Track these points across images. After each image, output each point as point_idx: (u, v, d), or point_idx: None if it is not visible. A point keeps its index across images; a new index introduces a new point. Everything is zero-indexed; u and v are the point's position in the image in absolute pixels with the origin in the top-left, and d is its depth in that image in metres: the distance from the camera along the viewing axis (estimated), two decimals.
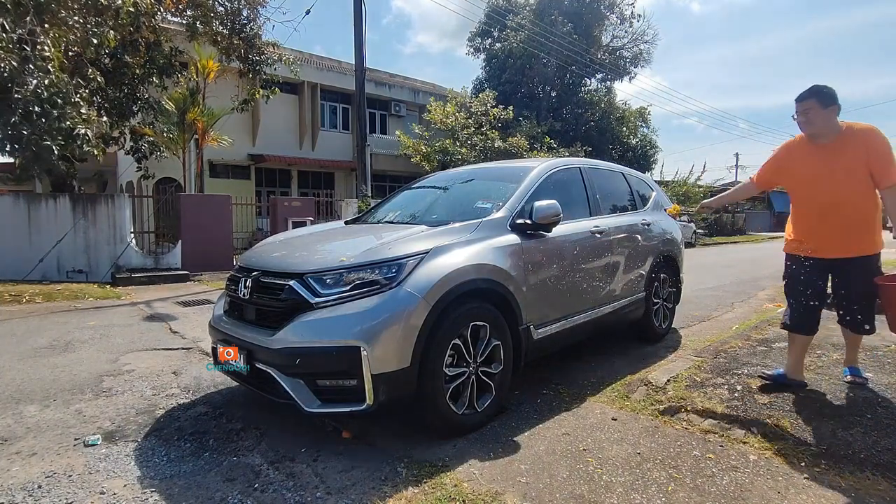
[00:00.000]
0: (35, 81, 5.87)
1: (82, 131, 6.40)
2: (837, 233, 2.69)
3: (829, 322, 4.85)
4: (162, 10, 8.62)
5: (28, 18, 5.84)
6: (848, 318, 2.86)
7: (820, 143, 2.67)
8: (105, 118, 7.70)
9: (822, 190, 2.70)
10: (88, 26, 6.64)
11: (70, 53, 7.23)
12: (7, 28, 5.68)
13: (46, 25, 6.13)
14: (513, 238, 2.85)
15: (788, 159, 2.91)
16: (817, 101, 2.58)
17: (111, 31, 6.88)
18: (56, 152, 6.11)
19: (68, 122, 6.19)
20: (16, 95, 5.72)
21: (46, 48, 6.03)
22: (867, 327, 2.80)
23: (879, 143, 2.53)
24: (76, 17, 6.47)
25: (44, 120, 5.94)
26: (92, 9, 6.58)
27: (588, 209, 3.69)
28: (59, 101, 6.06)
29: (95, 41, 6.71)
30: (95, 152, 7.21)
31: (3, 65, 5.55)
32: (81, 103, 6.60)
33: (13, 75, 5.68)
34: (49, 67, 6.02)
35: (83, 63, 7.43)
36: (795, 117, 2.68)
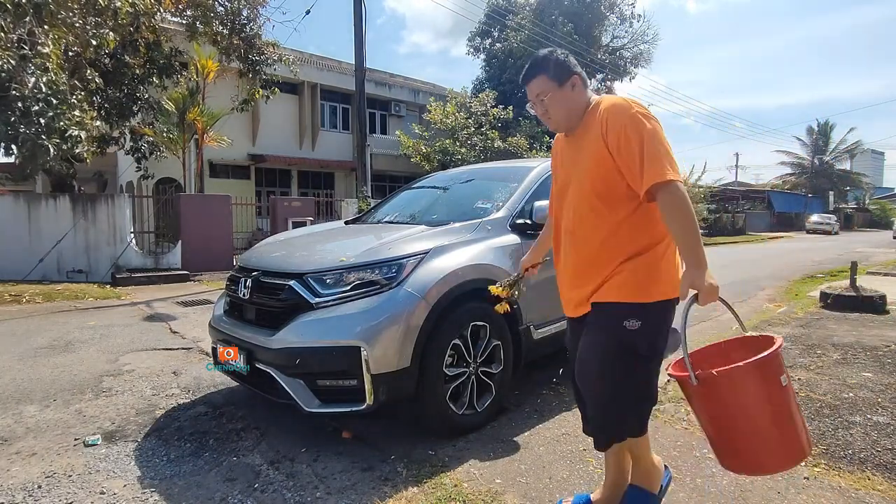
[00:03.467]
0: (33, 80, 5.88)
1: (74, 132, 6.40)
2: (568, 276, 1.69)
3: (829, 322, 4.87)
4: (161, 10, 8.61)
5: (27, 18, 5.84)
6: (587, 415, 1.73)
7: (571, 136, 1.71)
8: (99, 122, 7.69)
9: (564, 208, 1.70)
10: (88, 27, 6.65)
11: (70, 53, 7.23)
12: (5, 28, 5.68)
13: (46, 26, 6.14)
14: (513, 238, 2.85)
15: (553, 166, 1.87)
16: (549, 77, 1.62)
17: (110, 33, 6.88)
18: (52, 152, 6.11)
19: (63, 123, 6.19)
20: (13, 93, 5.72)
21: (46, 48, 6.03)
22: (600, 440, 1.67)
23: (625, 121, 1.48)
24: (75, 18, 6.47)
25: (42, 119, 5.95)
26: (91, 9, 6.58)
27: None
28: (54, 100, 6.06)
29: (94, 42, 6.71)
30: (85, 155, 7.22)
31: (1, 63, 5.55)
32: (76, 104, 6.60)
33: (11, 74, 5.68)
34: (47, 65, 6.03)
35: (82, 64, 7.43)
36: (532, 109, 1.73)
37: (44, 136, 6.01)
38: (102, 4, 6.55)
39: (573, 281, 1.67)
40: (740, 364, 1.30)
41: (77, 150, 6.81)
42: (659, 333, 1.57)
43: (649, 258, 1.55)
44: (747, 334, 1.52)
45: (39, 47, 6.01)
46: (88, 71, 7.49)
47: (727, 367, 1.31)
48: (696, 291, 1.37)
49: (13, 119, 5.83)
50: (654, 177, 1.42)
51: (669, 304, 1.58)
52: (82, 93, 7.30)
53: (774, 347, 1.35)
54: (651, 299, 1.53)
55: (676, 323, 1.54)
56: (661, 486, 1.78)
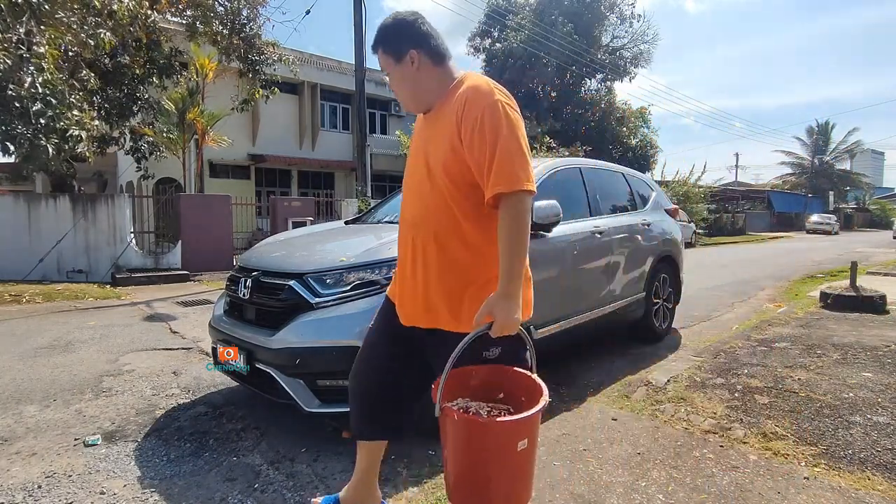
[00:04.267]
0: (30, 79, 5.88)
1: (75, 132, 6.41)
2: (409, 279, 1.44)
3: (829, 322, 4.87)
4: (156, 11, 8.61)
5: (24, 18, 5.84)
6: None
7: (428, 115, 1.44)
8: (97, 122, 7.70)
9: (407, 197, 1.50)
10: (86, 27, 6.65)
11: (70, 54, 7.23)
12: (2, 28, 5.69)
13: (43, 27, 6.14)
14: None
15: (410, 150, 1.62)
16: (384, 51, 1.38)
17: (108, 33, 6.87)
18: (51, 152, 6.11)
19: (62, 123, 6.20)
20: (10, 93, 5.72)
21: (42, 47, 6.03)
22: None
23: (482, 110, 1.23)
24: (73, 19, 6.47)
25: (41, 120, 5.95)
26: (89, 10, 6.58)
27: (588, 209, 3.69)
28: (53, 100, 6.06)
29: (93, 43, 6.72)
30: (88, 154, 7.22)
31: None
32: (74, 104, 6.60)
33: (9, 74, 5.69)
34: (43, 65, 6.03)
35: (80, 65, 7.43)
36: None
37: (42, 137, 6.01)
38: (98, 6, 6.55)
39: None
40: (472, 416, 1.21)
41: (79, 150, 6.82)
42: (515, 356, 1.36)
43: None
44: (534, 377, 1.31)
45: (35, 47, 6.01)
46: (85, 72, 7.49)
47: (457, 411, 1.21)
48: (491, 321, 1.19)
49: (11, 119, 5.84)
50: (502, 184, 1.20)
51: (524, 326, 1.38)
52: (81, 93, 7.30)
53: (508, 419, 1.19)
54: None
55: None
56: None
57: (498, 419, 1.21)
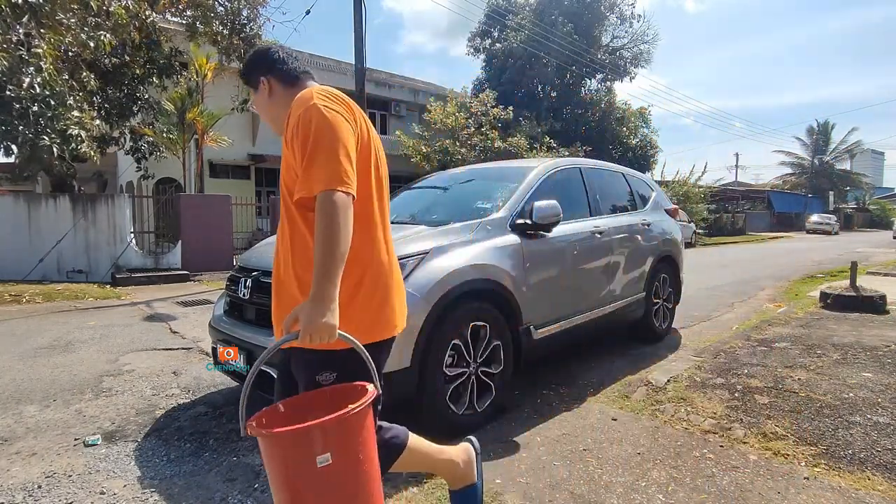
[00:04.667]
0: (28, 80, 5.88)
1: (75, 132, 6.41)
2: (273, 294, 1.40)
3: (829, 322, 4.86)
4: (155, 13, 8.61)
5: (24, 20, 5.85)
6: None
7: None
8: (97, 122, 7.70)
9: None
10: (86, 28, 6.65)
11: (70, 54, 7.23)
12: (2, 29, 5.69)
13: (43, 30, 6.14)
14: (513, 238, 2.85)
15: None
16: (245, 83, 1.49)
17: (107, 35, 6.88)
18: (53, 153, 6.12)
19: (62, 124, 6.20)
20: (9, 94, 5.73)
21: (40, 48, 6.04)
22: None
23: (298, 116, 1.23)
24: (73, 20, 6.47)
25: (41, 120, 5.95)
26: (88, 11, 6.58)
27: (588, 209, 3.69)
28: (52, 101, 6.06)
29: (92, 44, 6.72)
30: (91, 153, 7.22)
31: None
32: (74, 105, 6.61)
33: (8, 75, 5.69)
34: (41, 65, 6.03)
35: (80, 66, 7.44)
36: None
37: (44, 137, 6.01)
38: (95, 8, 6.55)
39: None
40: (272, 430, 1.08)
41: (80, 150, 6.82)
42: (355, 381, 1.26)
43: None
44: (369, 387, 1.22)
45: (35, 49, 6.02)
46: (85, 73, 7.50)
47: (250, 425, 1.11)
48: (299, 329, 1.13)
49: (12, 120, 5.84)
50: (304, 188, 1.17)
51: (377, 347, 1.31)
52: (81, 93, 7.31)
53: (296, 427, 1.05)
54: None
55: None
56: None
57: (275, 430, 1.07)
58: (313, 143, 1.18)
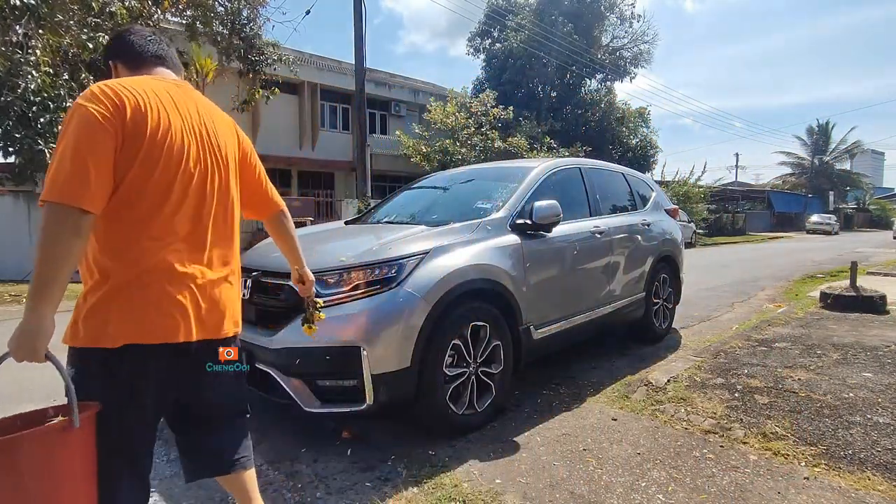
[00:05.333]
0: (23, 84, 5.88)
1: None
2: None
3: (829, 322, 4.86)
4: (159, 11, 8.61)
5: (23, 21, 5.85)
6: None
7: None
8: None
9: None
10: (85, 29, 6.65)
11: (69, 54, 7.23)
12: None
13: (41, 31, 6.14)
14: (513, 238, 2.85)
15: None
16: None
17: (105, 36, 6.88)
18: (49, 155, 6.12)
19: (61, 126, 6.22)
20: (6, 98, 5.73)
21: (38, 51, 6.04)
22: None
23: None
24: (72, 22, 6.47)
25: (40, 122, 5.95)
26: (88, 11, 6.58)
27: (588, 209, 3.69)
28: (50, 104, 6.06)
29: (91, 45, 6.72)
30: None
31: None
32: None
33: (5, 78, 5.69)
34: (34, 72, 6.03)
35: (79, 67, 7.44)
36: None
37: (41, 140, 6.01)
38: (96, 8, 6.55)
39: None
40: None
41: None
42: (81, 390, 1.13)
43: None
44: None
45: (31, 51, 6.02)
46: (84, 74, 7.50)
47: None
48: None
49: (8, 123, 5.84)
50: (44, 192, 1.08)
51: (89, 355, 1.20)
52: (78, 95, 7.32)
53: None
54: (77, 343, 1.20)
55: None
56: None
57: None
58: (57, 145, 1.11)
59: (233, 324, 1.38)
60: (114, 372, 1.18)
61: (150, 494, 1.98)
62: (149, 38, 1.40)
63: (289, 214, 1.69)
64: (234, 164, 1.39)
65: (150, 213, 1.18)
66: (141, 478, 1.33)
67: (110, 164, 1.11)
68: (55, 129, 6.19)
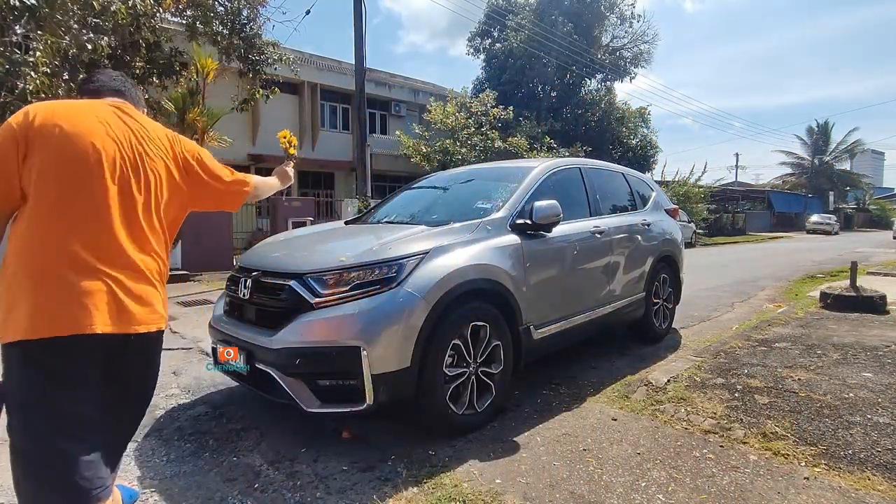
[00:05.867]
0: (22, 85, 5.88)
1: None
2: None
3: (829, 322, 4.87)
4: (161, 10, 8.60)
5: (22, 22, 5.84)
6: None
7: None
8: None
9: None
10: (85, 29, 6.64)
11: (69, 54, 7.22)
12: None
13: (40, 32, 6.13)
14: (513, 238, 2.85)
15: None
16: None
17: (105, 37, 6.87)
18: None
19: None
20: (5, 99, 5.73)
21: (37, 52, 6.03)
22: None
23: None
24: (72, 22, 6.46)
25: None
26: (89, 11, 6.57)
27: (588, 209, 3.69)
28: None
29: (90, 46, 6.71)
30: None
31: None
32: None
33: (4, 78, 5.69)
34: (32, 73, 6.02)
35: (78, 68, 7.43)
36: None
37: None
38: (97, 8, 6.54)
39: None
40: None
41: None
42: None
43: None
44: None
45: (32, 52, 6.02)
46: (83, 75, 7.50)
47: None
48: None
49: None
50: None
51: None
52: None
53: None
54: None
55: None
56: None
57: None
58: None
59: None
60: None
61: (151, 494, 1.99)
62: (113, 77, 1.62)
63: (259, 187, 1.88)
64: (164, 172, 1.48)
65: (49, 213, 1.28)
66: None
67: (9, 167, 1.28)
68: None
